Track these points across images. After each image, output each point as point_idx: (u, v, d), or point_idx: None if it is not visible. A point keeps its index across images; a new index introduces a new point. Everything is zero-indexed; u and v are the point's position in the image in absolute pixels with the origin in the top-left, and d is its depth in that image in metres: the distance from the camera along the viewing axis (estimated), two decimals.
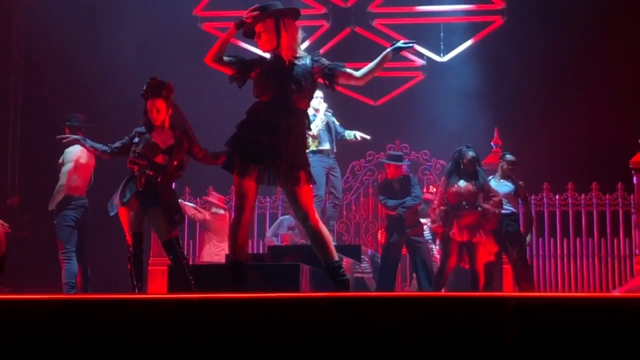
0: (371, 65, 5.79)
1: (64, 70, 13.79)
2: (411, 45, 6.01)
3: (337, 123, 9.85)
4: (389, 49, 5.84)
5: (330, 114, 9.77)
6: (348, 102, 12.59)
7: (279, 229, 12.15)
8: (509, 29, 12.93)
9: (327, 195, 9.81)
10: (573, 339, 3.24)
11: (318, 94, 9.62)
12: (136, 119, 7.29)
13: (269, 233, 12.41)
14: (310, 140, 9.38)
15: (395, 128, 14.05)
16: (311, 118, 9.40)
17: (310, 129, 6.05)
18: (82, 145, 7.53)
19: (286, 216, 12.35)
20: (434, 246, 11.01)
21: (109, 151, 7.26)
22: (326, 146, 9.64)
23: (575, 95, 13.76)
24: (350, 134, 10.00)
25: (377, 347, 3.57)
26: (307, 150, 9.34)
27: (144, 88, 7.02)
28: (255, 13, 5.66)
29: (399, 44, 5.90)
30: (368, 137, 10.19)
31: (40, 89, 14.12)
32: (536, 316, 3.29)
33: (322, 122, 9.58)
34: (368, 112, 13.49)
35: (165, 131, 7.05)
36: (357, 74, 5.78)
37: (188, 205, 12.09)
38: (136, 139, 7.04)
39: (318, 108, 9.60)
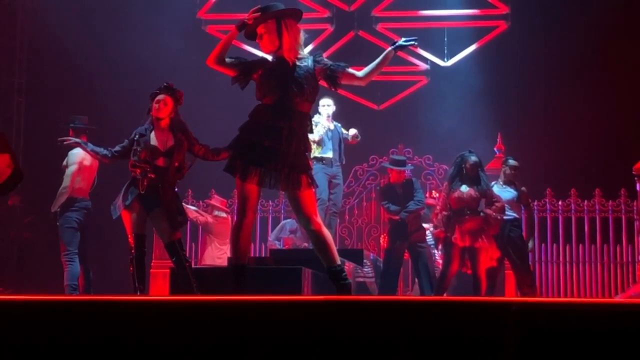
0: (373, 64, 5.76)
1: (67, 71, 13.81)
2: (413, 42, 5.92)
3: (344, 132, 9.87)
4: (390, 48, 5.82)
5: (339, 124, 9.81)
6: (352, 106, 12.59)
7: (281, 233, 12.16)
8: (512, 34, 12.95)
9: (327, 202, 9.83)
10: (574, 343, 3.23)
11: (327, 101, 9.65)
12: (141, 120, 7.29)
13: (271, 237, 12.41)
14: (313, 146, 9.40)
15: (398, 132, 14.05)
16: (314, 123, 9.51)
17: (312, 132, 6.02)
18: (84, 149, 7.53)
19: (288, 220, 12.35)
20: (436, 251, 11.00)
21: (109, 155, 7.27)
22: (329, 154, 9.65)
23: (578, 101, 13.74)
24: (348, 134, 9.98)
25: (378, 351, 3.57)
26: (310, 156, 9.43)
27: (157, 89, 7.05)
28: (256, 14, 5.65)
29: (400, 42, 5.86)
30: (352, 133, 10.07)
31: (44, 90, 14.13)
32: (538, 321, 3.29)
33: (325, 128, 9.59)
34: (371, 117, 13.50)
35: (165, 133, 7.06)
36: (359, 73, 5.75)
37: (190, 209, 12.08)
38: (137, 139, 7.04)
39: (322, 114, 9.63)
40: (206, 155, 7.04)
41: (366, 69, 5.77)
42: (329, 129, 9.67)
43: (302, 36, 5.79)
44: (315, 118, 9.46)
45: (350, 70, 5.76)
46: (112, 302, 4.02)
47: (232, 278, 5.79)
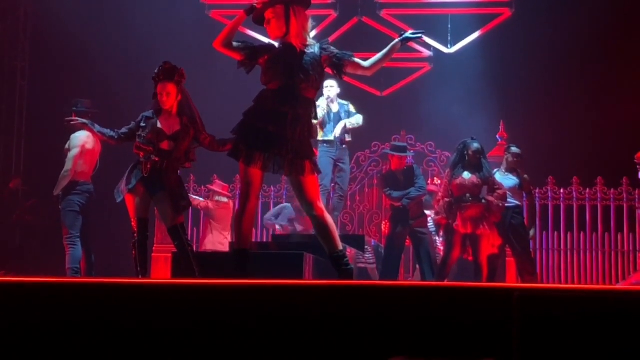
0: (379, 55, 5.78)
1: (71, 55, 13.79)
2: (420, 35, 5.98)
3: (352, 111, 9.77)
4: (397, 40, 5.84)
5: (346, 104, 9.75)
6: (354, 92, 12.56)
7: (280, 218, 12.12)
8: (516, 22, 12.90)
9: (333, 186, 9.81)
10: (576, 329, 3.24)
11: (331, 82, 9.59)
12: (144, 104, 7.29)
13: (267, 215, 12.34)
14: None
15: (401, 119, 14.05)
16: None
17: (316, 118, 6.03)
18: (90, 130, 7.53)
19: (288, 204, 12.30)
20: (437, 238, 11.01)
21: (116, 137, 7.28)
22: (330, 137, 9.62)
23: (581, 89, 13.73)
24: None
25: (379, 336, 3.58)
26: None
27: (156, 71, 7.01)
28: None
29: (408, 34, 5.90)
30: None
31: (47, 74, 14.12)
32: (540, 307, 3.29)
33: (323, 111, 9.52)
34: (374, 103, 13.47)
35: (172, 117, 7.05)
36: (365, 63, 5.77)
37: (191, 197, 12.08)
38: (143, 124, 7.04)
39: (324, 95, 9.58)
40: (211, 145, 7.04)
41: (372, 59, 5.79)
42: (330, 111, 9.60)
43: (310, 23, 5.79)
44: (319, 101, 9.42)
45: (356, 59, 5.77)
46: (114, 285, 4.03)
47: (235, 262, 5.80)
